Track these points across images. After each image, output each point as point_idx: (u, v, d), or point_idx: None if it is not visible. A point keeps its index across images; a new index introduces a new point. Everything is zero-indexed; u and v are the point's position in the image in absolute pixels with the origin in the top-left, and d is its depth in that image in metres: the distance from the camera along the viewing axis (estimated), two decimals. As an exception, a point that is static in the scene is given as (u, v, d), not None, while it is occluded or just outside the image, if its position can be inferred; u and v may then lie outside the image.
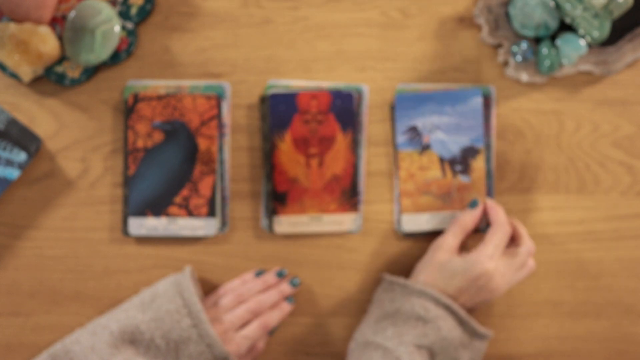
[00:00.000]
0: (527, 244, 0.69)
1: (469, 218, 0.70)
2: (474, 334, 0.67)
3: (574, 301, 0.74)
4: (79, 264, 0.72)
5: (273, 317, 0.69)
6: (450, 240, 0.69)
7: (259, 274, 0.71)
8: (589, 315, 0.74)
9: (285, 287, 0.71)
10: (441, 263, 0.67)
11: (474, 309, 0.69)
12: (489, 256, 0.66)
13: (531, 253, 0.69)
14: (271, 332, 0.71)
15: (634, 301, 0.74)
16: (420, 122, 0.72)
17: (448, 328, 0.65)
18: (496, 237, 0.68)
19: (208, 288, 0.73)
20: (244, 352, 0.67)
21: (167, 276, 0.71)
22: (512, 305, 0.74)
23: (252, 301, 0.69)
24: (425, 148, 0.73)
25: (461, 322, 0.66)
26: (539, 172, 0.74)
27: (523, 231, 0.70)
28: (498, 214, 0.69)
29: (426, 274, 0.68)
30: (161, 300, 0.66)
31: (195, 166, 0.71)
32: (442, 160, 0.72)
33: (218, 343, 0.64)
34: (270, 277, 0.71)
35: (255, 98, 0.73)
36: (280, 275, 0.71)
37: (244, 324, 0.68)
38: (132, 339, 0.64)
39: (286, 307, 0.70)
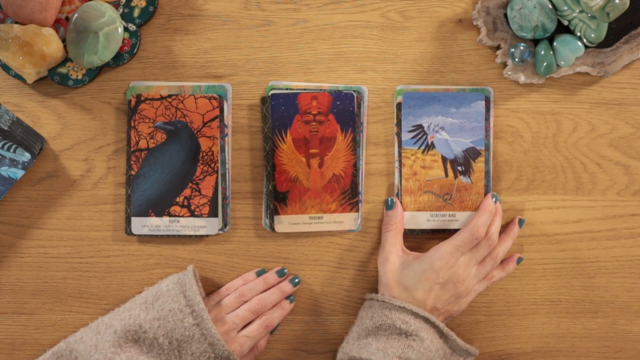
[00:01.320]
0: (496, 259, 0.70)
1: (394, 219, 0.71)
2: (456, 347, 0.68)
3: (571, 299, 0.75)
4: (82, 262, 0.73)
5: (274, 317, 0.70)
6: (391, 249, 0.70)
7: (260, 273, 0.72)
8: (586, 314, 0.75)
9: (286, 286, 0.71)
10: (398, 272, 0.68)
11: (450, 317, 0.70)
12: (447, 253, 0.67)
13: (497, 260, 0.70)
14: (272, 331, 0.72)
15: (630, 300, 0.75)
16: (426, 122, 0.73)
17: (430, 339, 0.66)
18: (460, 238, 0.68)
19: (210, 287, 0.73)
20: (246, 351, 0.68)
21: (169, 275, 0.72)
22: (510, 303, 0.75)
23: (254, 301, 0.69)
24: (429, 147, 0.73)
25: (441, 334, 0.67)
26: (537, 172, 0.74)
27: (502, 248, 0.71)
28: (477, 217, 0.69)
29: (390, 287, 0.68)
30: (164, 299, 0.66)
31: (197, 166, 0.72)
32: (445, 160, 0.73)
33: (221, 342, 0.65)
34: (271, 276, 0.72)
35: (256, 99, 0.73)
36: (281, 274, 0.72)
37: (246, 323, 0.69)
38: (135, 337, 0.64)
39: (287, 306, 0.71)
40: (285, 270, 0.72)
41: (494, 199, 0.71)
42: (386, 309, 0.67)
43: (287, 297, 0.72)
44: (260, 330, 0.69)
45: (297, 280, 0.72)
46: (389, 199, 0.72)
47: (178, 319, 0.65)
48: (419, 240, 0.74)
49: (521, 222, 0.72)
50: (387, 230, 0.71)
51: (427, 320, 0.66)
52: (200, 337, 0.65)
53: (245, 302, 0.69)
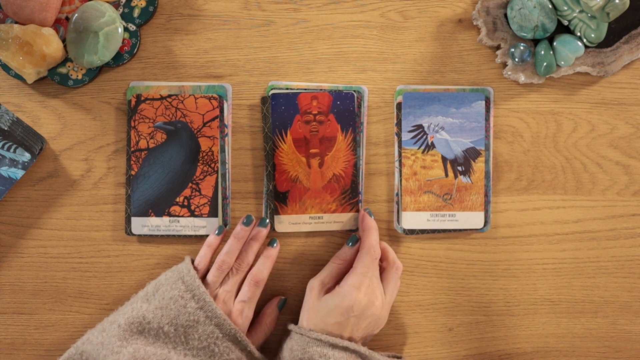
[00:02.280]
0: (396, 264, 0.70)
1: (350, 256, 0.70)
2: None
3: (571, 299, 0.75)
4: (82, 262, 0.73)
5: (261, 269, 0.69)
6: (320, 279, 0.69)
7: (220, 231, 0.70)
8: (586, 314, 0.75)
9: (259, 233, 0.70)
10: (315, 304, 0.67)
11: (372, 335, 0.69)
12: (356, 286, 0.66)
13: (399, 272, 0.70)
14: (280, 306, 0.71)
15: (630, 300, 0.75)
16: (426, 122, 0.73)
17: None
18: (362, 264, 0.67)
19: (210, 287, 0.73)
20: (248, 315, 0.67)
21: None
22: (510, 303, 0.75)
23: (235, 264, 0.69)
24: (429, 147, 0.73)
25: (365, 357, 0.66)
26: (537, 172, 0.74)
27: (391, 254, 0.71)
28: (367, 238, 0.69)
29: (307, 318, 0.67)
30: (164, 288, 0.66)
31: (197, 166, 0.72)
32: (445, 160, 0.73)
33: (227, 321, 0.65)
34: (240, 230, 0.70)
35: (257, 99, 0.73)
36: (248, 223, 0.70)
37: (238, 289, 0.68)
38: (140, 329, 0.64)
39: (272, 252, 0.70)
40: (252, 218, 0.70)
41: (370, 215, 0.71)
42: (304, 342, 0.66)
43: (269, 243, 0.70)
44: (252, 289, 0.68)
45: (267, 221, 0.71)
46: (355, 236, 0.71)
47: (180, 305, 0.65)
48: (419, 240, 0.74)
49: (368, 212, 0.71)
50: (337, 263, 0.70)
51: (346, 349, 0.65)
52: (205, 319, 0.65)
53: (229, 269, 0.69)
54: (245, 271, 0.69)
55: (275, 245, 0.71)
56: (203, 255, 0.69)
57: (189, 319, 0.65)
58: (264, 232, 0.71)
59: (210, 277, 0.68)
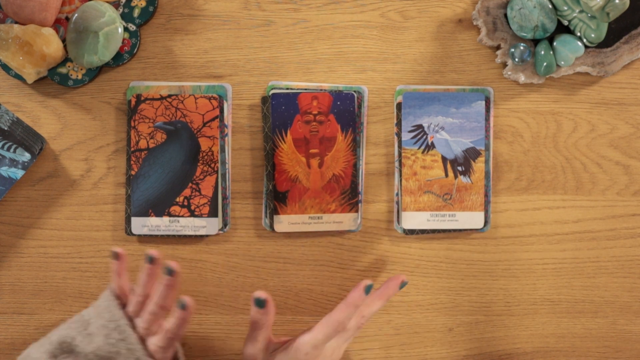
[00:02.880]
0: (370, 308, 0.68)
1: (266, 317, 0.66)
2: None
3: (571, 299, 0.75)
4: (82, 262, 0.73)
5: (173, 329, 0.65)
6: (261, 341, 0.67)
7: (115, 257, 0.65)
8: (586, 314, 0.75)
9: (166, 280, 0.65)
10: None
11: None
12: (313, 346, 0.65)
13: (364, 321, 0.68)
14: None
15: (630, 300, 0.75)
16: (426, 122, 0.73)
17: None
18: (321, 333, 0.66)
19: (210, 287, 0.73)
20: (166, 354, 0.65)
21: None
22: (510, 303, 0.75)
23: (153, 308, 0.64)
24: (429, 147, 0.73)
25: None
26: (537, 172, 0.74)
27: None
28: (339, 313, 0.66)
29: None
30: (96, 316, 0.65)
31: (197, 166, 0.72)
32: (445, 160, 0.73)
33: (146, 357, 0.63)
34: (147, 268, 0.65)
35: (257, 99, 0.73)
36: (152, 260, 0.64)
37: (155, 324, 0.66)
38: (69, 349, 0.63)
39: (182, 315, 0.64)
40: (154, 255, 0.64)
41: (365, 291, 0.66)
42: None
43: (180, 305, 0.64)
44: (176, 327, 0.64)
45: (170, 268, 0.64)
46: (260, 299, 0.65)
47: (104, 335, 0.64)
48: (419, 240, 0.74)
49: (402, 285, 0.69)
50: (258, 329, 0.66)
51: None
52: (126, 352, 0.63)
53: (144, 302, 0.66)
54: (163, 315, 0.65)
55: (170, 273, 0.63)
56: (117, 286, 0.67)
57: (111, 350, 0.64)
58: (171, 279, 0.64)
59: (130, 308, 0.66)
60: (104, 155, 0.73)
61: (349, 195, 0.73)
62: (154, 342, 0.64)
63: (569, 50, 0.70)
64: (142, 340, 0.64)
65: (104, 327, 0.64)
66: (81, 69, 0.72)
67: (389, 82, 0.74)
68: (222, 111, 0.73)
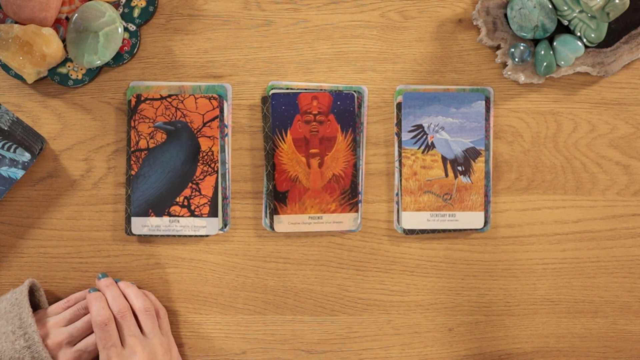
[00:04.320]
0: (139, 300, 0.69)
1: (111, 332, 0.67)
2: None
3: (571, 299, 0.75)
4: (82, 262, 0.73)
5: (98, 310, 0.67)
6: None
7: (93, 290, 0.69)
8: (586, 314, 0.75)
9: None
10: None
11: None
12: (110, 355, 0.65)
13: (149, 312, 0.68)
14: None
15: (630, 300, 0.75)
16: (426, 122, 0.73)
17: None
18: (99, 341, 0.66)
19: (209, 287, 0.73)
20: None
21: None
22: (510, 303, 0.75)
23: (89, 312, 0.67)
24: (429, 147, 0.73)
25: None
26: (537, 172, 0.74)
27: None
28: (92, 312, 0.67)
29: None
30: (2, 321, 0.65)
31: (197, 166, 0.72)
32: (445, 160, 0.73)
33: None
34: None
35: (257, 99, 0.73)
36: (103, 276, 0.70)
37: (85, 334, 0.67)
38: None
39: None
40: (103, 274, 0.71)
41: (98, 279, 0.69)
42: None
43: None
44: (91, 343, 0.67)
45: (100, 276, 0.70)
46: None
47: (10, 341, 0.64)
48: (419, 240, 0.74)
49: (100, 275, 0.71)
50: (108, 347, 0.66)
51: None
52: (30, 359, 0.64)
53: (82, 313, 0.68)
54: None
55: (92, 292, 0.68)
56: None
57: (14, 357, 0.63)
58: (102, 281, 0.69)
59: (64, 313, 0.68)
60: (104, 155, 0.73)
61: (349, 195, 0.73)
62: (78, 347, 0.66)
63: (569, 50, 0.70)
64: (57, 347, 0.65)
65: (12, 333, 0.64)
66: (81, 69, 0.72)
67: (389, 82, 0.74)
68: (222, 111, 0.73)
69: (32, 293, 0.70)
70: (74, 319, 0.68)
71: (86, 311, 0.68)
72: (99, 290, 0.69)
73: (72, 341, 0.67)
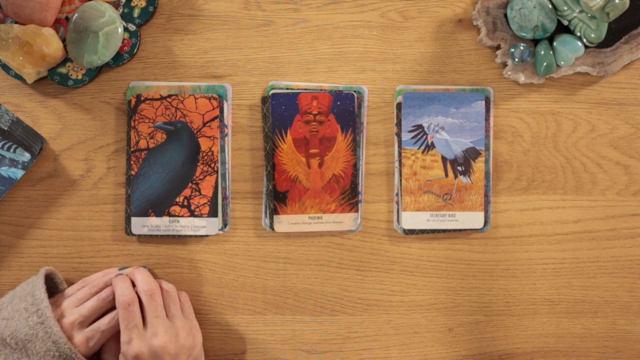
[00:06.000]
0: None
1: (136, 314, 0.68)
2: None
3: (571, 299, 0.75)
4: (82, 262, 0.73)
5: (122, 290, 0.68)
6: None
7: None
8: (586, 314, 0.75)
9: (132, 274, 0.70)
10: None
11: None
12: (127, 342, 0.65)
13: (172, 297, 0.69)
14: None
15: (630, 300, 0.75)
16: (426, 122, 0.73)
17: None
18: (122, 321, 0.66)
19: (209, 287, 0.73)
20: (95, 346, 0.67)
21: (168, 275, 0.72)
22: (510, 303, 0.75)
23: (104, 290, 0.68)
24: (429, 147, 0.73)
25: None
26: (537, 172, 0.74)
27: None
28: (116, 292, 0.67)
29: None
30: (17, 300, 0.66)
31: (197, 166, 0.72)
32: (445, 160, 0.73)
33: (63, 339, 0.64)
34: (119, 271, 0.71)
35: (257, 99, 0.74)
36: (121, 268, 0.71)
37: (98, 315, 0.68)
38: None
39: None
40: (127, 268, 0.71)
41: (119, 271, 0.70)
42: None
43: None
44: (112, 323, 0.67)
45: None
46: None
47: (23, 318, 0.64)
48: (419, 240, 0.74)
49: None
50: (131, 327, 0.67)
51: None
52: (43, 335, 0.64)
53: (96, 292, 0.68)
54: (108, 300, 0.68)
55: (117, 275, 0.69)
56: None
57: (29, 333, 0.64)
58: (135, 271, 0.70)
59: (78, 293, 0.68)
60: (104, 155, 0.73)
61: (349, 195, 0.73)
62: (92, 327, 0.66)
63: (569, 50, 0.70)
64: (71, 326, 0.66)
65: (25, 310, 0.65)
66: (81, 69, 0.72)
67: (389, 82, 0.74)
68: (222, 111, 0.73)
69: (50, 279, 0.70)
70: (87, 298, 0.68)
71: (98, 290, 0.68)
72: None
73: (85, 321, 0.66)
